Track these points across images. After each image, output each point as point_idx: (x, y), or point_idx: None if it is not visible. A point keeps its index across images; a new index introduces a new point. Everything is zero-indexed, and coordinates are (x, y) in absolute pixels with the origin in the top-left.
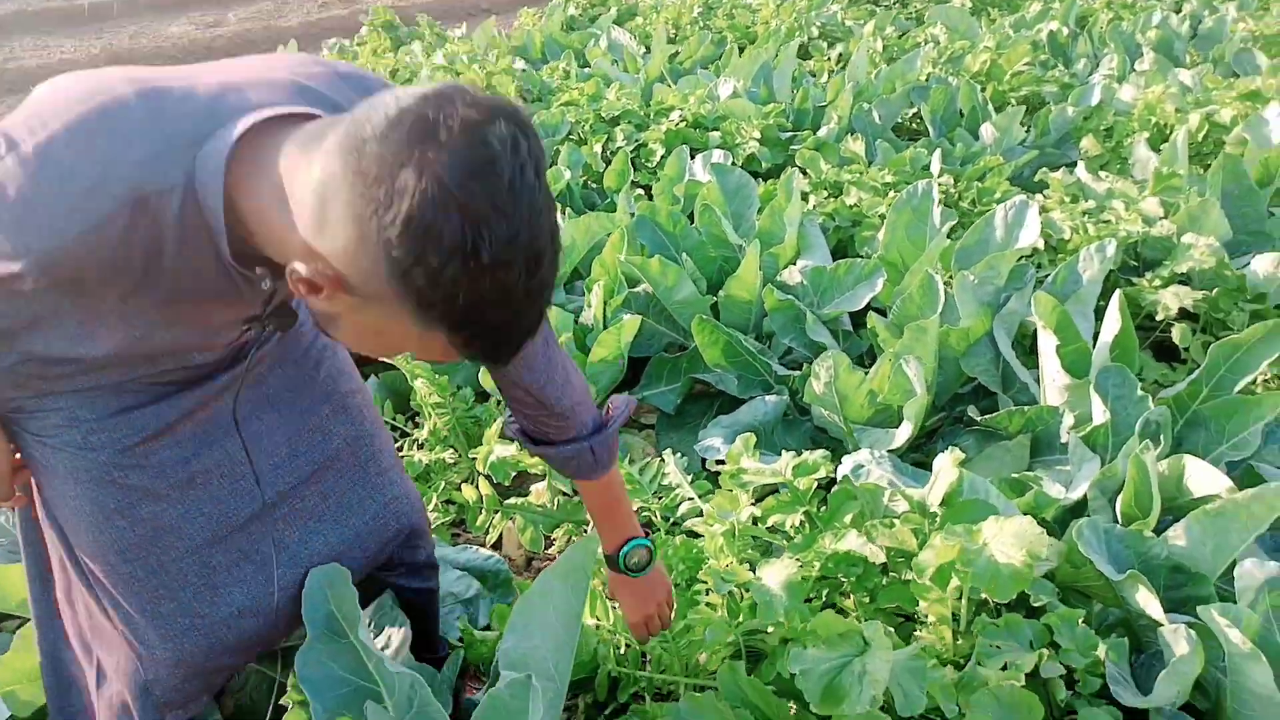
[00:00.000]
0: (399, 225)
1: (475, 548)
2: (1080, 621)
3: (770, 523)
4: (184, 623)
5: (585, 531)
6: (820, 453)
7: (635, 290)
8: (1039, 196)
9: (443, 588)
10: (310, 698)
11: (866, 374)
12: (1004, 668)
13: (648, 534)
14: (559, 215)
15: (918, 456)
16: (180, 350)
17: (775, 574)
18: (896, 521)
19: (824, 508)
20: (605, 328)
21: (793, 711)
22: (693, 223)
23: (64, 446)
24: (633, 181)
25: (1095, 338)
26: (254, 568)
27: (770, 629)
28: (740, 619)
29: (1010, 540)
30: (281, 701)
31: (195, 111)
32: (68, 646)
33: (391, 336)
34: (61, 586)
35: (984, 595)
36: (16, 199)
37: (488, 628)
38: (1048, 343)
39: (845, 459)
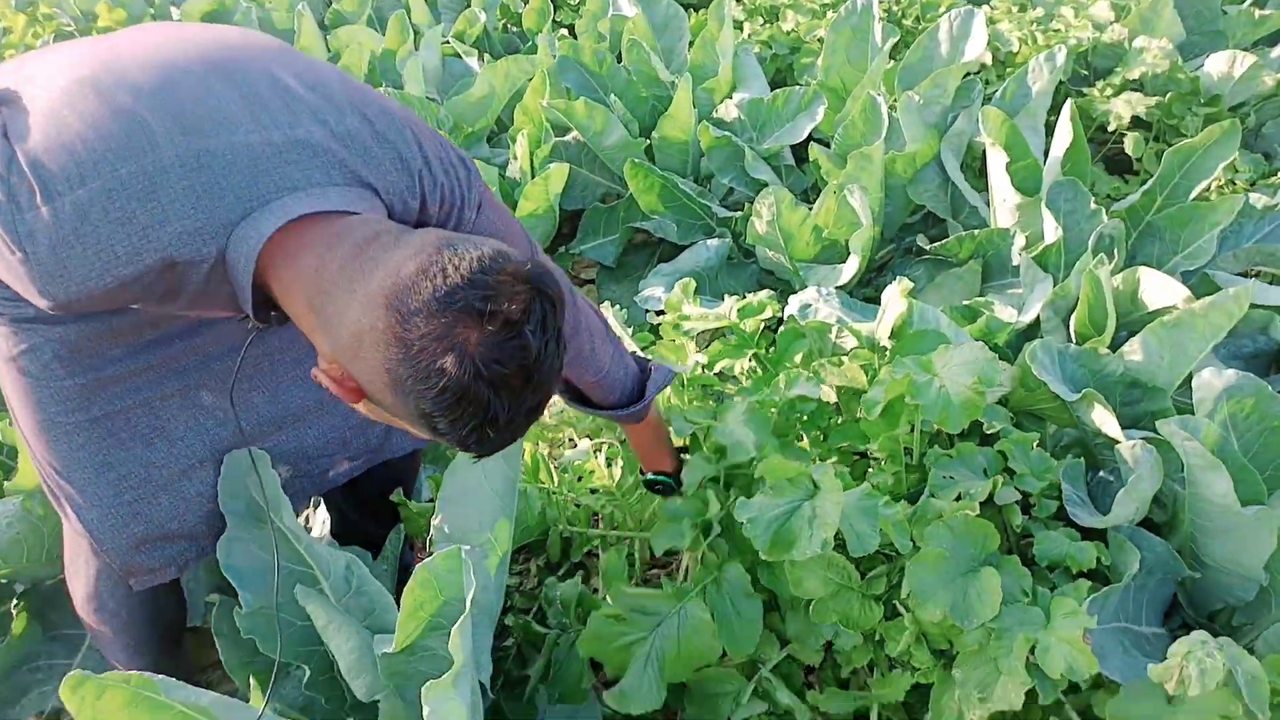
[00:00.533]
0: (433, 395)
1: None
2: (1035, 445)
3: (718, 368)
4: (138, 473)
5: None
6: (765, 293)
7: (563, 139)
8: (985, 9)
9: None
10: (238, 587)
11: (811, 209)
12: (958, 498)
13: (679, 470)
14: (476, 61)
15: (868, 292)
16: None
17: (736, 413)
18: (845, 359)
19: (773, 349)
20: (533, 179)
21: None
22: (620, 61)
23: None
24: (554, 21)
25: (1046, 153)
26: (214, 422)
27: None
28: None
29: (960, 369)
30: (209, 598)
31: (236, 187)
32: None
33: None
34: None
35: (936, 427)
36: (49, 253)
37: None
38: (997, 160)
39: (792, 298)
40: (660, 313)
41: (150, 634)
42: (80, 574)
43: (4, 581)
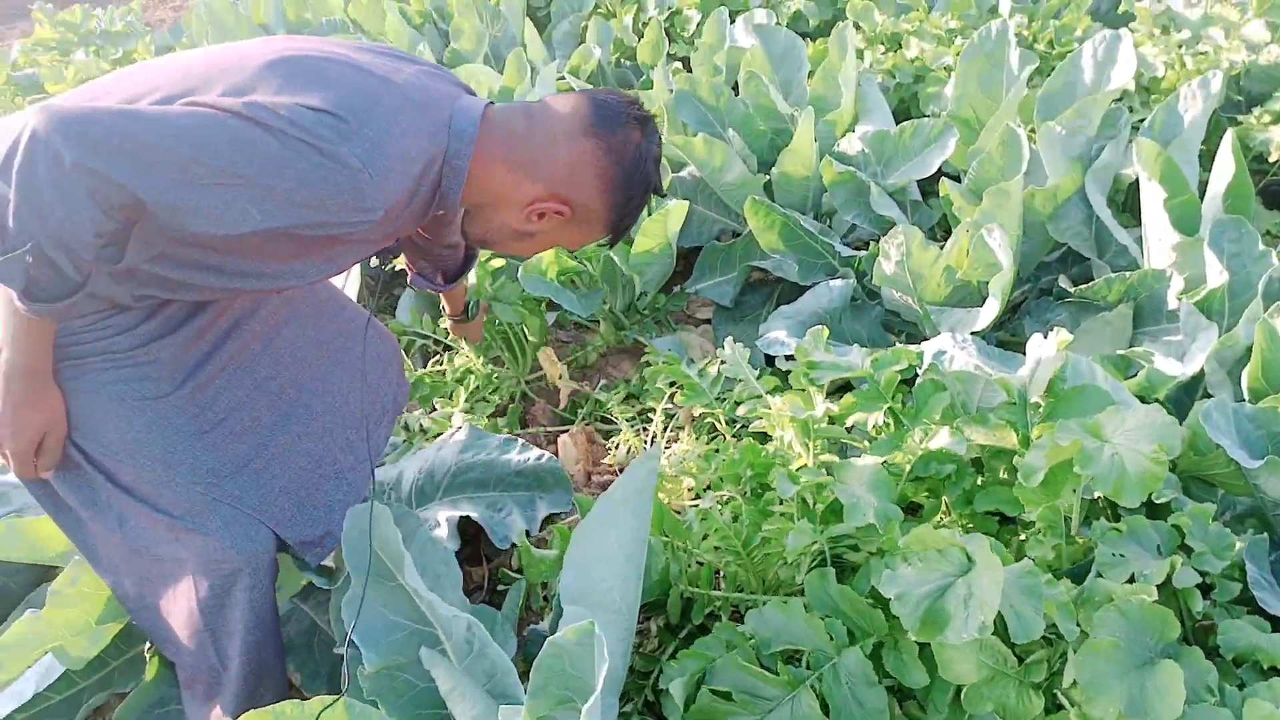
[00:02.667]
0: (636, 179)
1: (531, 448)
2: (1212, 519)
3: (849, 422)
4: (260, 458)
5: None
6: (902, 347)
7: (680, 174)
8: (1124, 31)
9: (497, 488)
10: (361, 646)
11: (941, 249)
12: (1130, 579)
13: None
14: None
15: (1000, 335)
16: (282, 276)
17: (859, 474)
18: (991, 415)
19: (907, 403)
20: (649, 215)
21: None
22: (737, 94)
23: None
24: (668, 54)
25: (1201, 187)
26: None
27: (856, 542)
28: (823, 526)
29: (1136, 434)
30: (336, 651)
31: (432, 100)
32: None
33: (562, 241)
34: (104, 523)
35: (1094, 495)
36: (377, 165)
37: (541, 541)
38: (1154, 196)
39: (925, 345)
40: (790, 358)
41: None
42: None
43: (136, 625)
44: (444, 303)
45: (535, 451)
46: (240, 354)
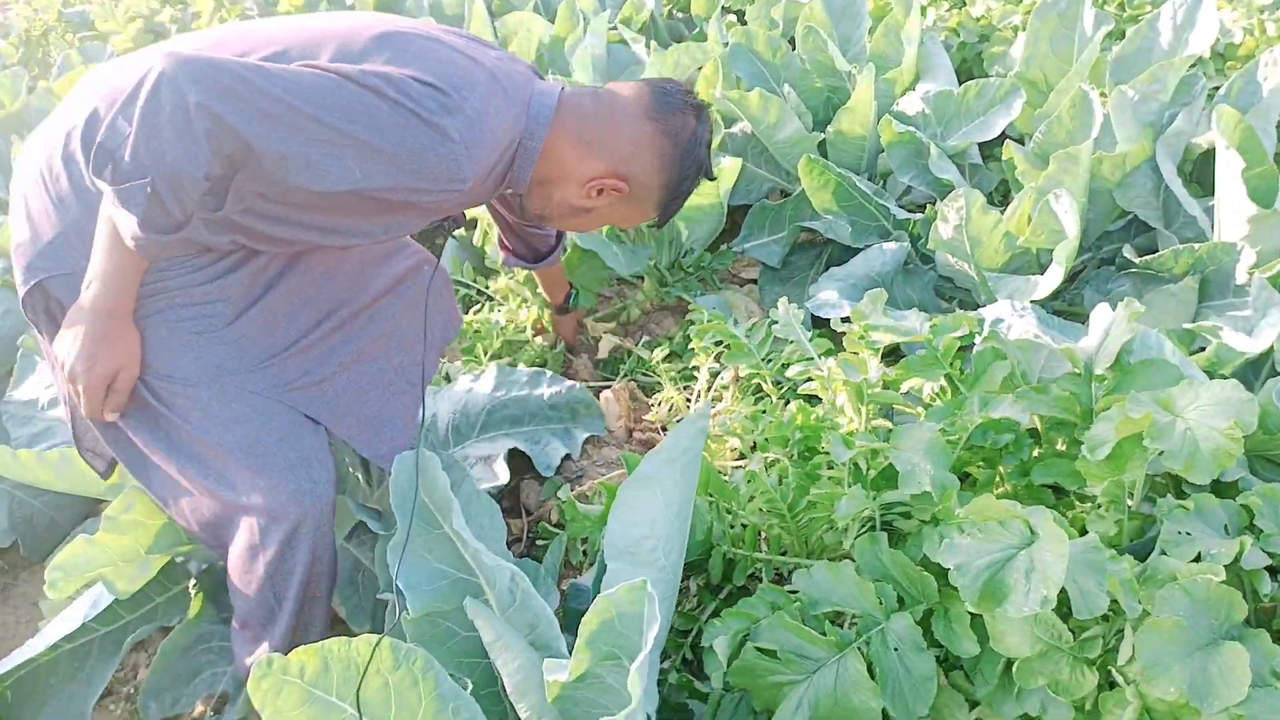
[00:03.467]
0: (689, 160)
1: (560, 379)
2: None
3: (905, 387)
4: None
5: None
6: (962, 313)
7: (732, 130)
8: None
9: (533, 423)
10: (405, 591)
11: (1002, 214)
12: (1197, 558)
13: (571, 290)
14: (643, 48)
15: (1057, 305)
16: (356, 234)
17: (916, 440)
18: (1054, 386)
19: (967, 371)
20: None
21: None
22: (794, 49)
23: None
24: (723, 6)
25: (1277, 160)
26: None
27: (909, 509)
28: (876, 492)
29: (1211, 410)
30: (380, 597)
31: (512, 84)
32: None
33: (615, 218)
34: (171, 464)
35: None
36: (473, 137)
37: (583, 496)
38: (1230, 165)
39: (982, 312)
40: (846, 319)
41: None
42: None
43: (181, 561)
44: (545, 294)
45: (565, 382)
46: (303, 283)
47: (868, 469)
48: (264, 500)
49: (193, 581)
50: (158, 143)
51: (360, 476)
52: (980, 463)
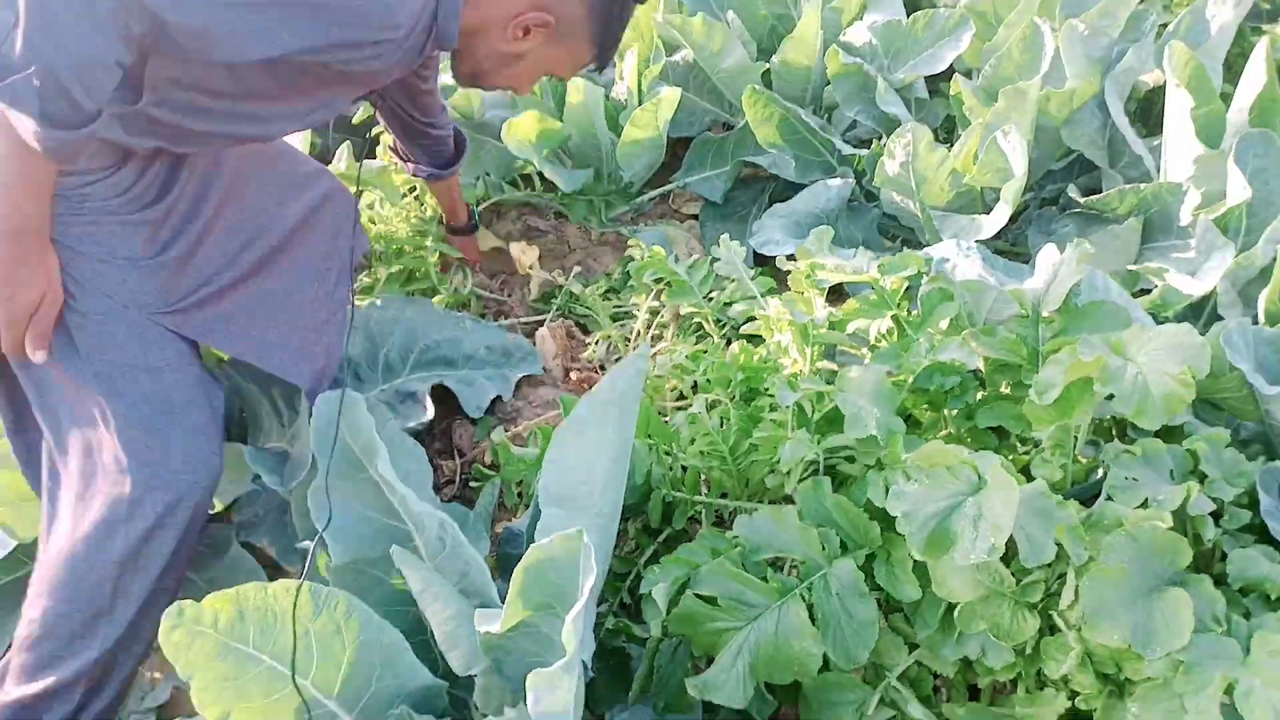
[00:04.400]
0: None
1: (492, 323)
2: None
3: (851, 328)
4: None
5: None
6: (910, 252)
7: (674, 59)
8: None
9: (466, 366)
10: (328, 538)
11: (949, 150)
12: (1143, 504)
13: (471, 216)
14: None
15: (999, 245)
16: (277, 120)
17: (862, 383)
18: (1001, 328)
19: (915, 312)
20: (640, 103)
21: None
22: None
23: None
24: None
25: (1225, 101)
26: None
27: (852, 453)
28: (820, 436)
29: (1163, 354)
30: (300, 545)
31: None
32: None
33: (550, 63)
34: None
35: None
36: None
37: (519, 438)
38: (1180, 104)
39: (928, 251)
40: (791, 258)
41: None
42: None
43: None
44: (442, 213)
45: (495, 326)
46: (215, 218)
47: (812, 412)
48: (153, 464)
49: None
50: (54, 28)
51: (275, 416)
52: (925, 405)
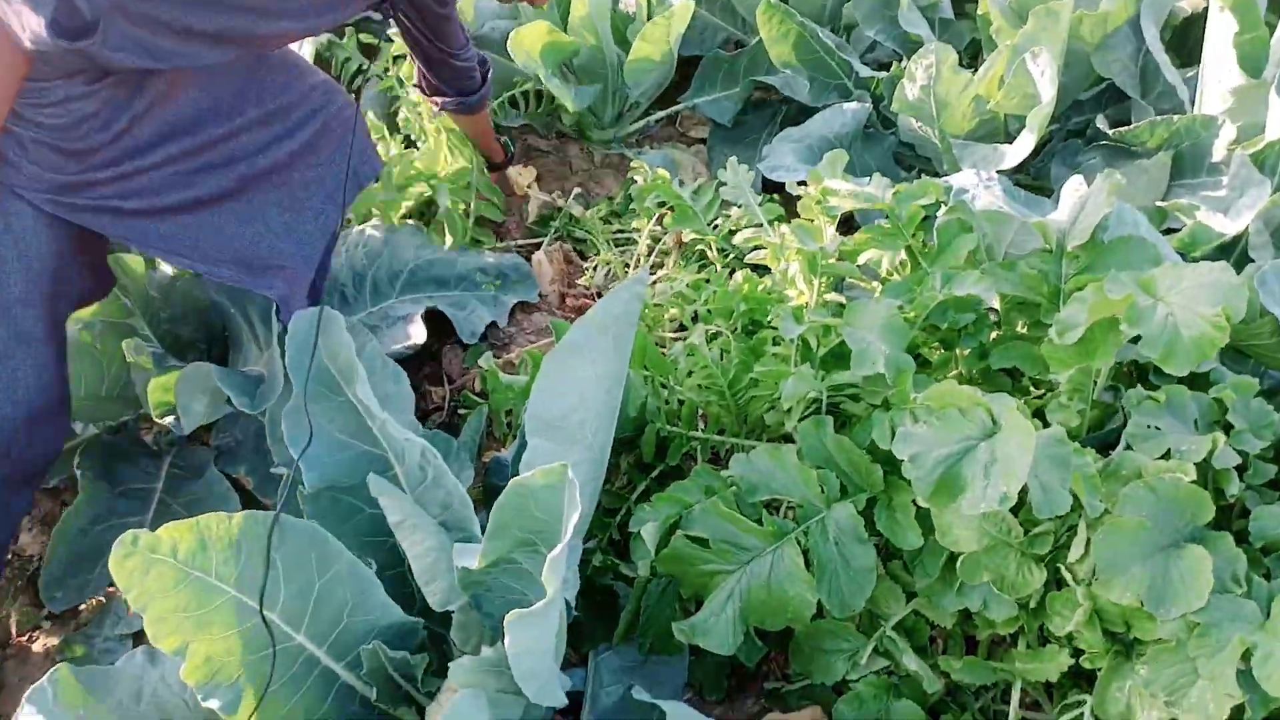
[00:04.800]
0: None
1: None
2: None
3: (862, 259)
4: None
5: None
6: (927, 180)
7: None
8: None
9: (459, 287)
10: (302, 464)
11: (974, 74)
12: (1166, 455)
13: (506, 151)
14: None
15: (1021, 178)
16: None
17: (871, 317)
18: (1021, 263)
19: (930, 244)
20: (650, 17)
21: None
22: None
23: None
24: None
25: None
26: None
27: (858, 392)
28: (825, 372)
29: (1196, 294)
30: (274, 470)
31: None
32: None
33: None
34: None
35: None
36: None
37: (510, 365)
38: (1222, 30)
39: (947, 180)
40: (802, 183)
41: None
42: None
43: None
44: (480, 151)
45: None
46: (180, 93)
47: (817, 347)
48: None
49: (76, 459)
50: None
51: (253, 340)
52: (936, 344)
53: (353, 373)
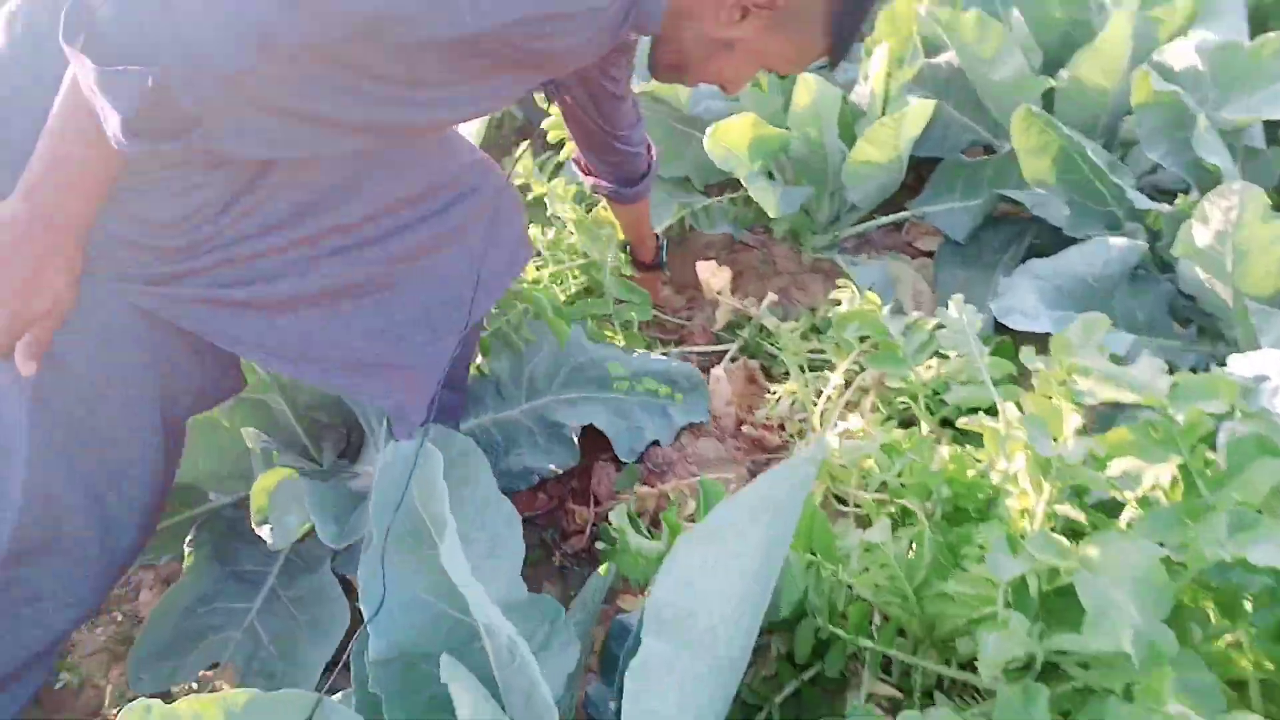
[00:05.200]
0: None
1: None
2: None
3: (1114, 470)
4: None
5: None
6: (1220, 374)
7: (934, 60)
8: None
9: (626, 387)
10: (371, 631)
11: None
12: None
13: (658, 255)
14: None
15: None
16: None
17: (1121, 563)
18: None
19: (1213, 463)
20: (884, 112)
21: None
22: None
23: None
24: None
25: None
26: None
27: (1087, 661)
28: (1039, 625)
29: None
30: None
31: None
32: None
33: (771, 55)
34: None
35: None
36: None
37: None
38: None
39: (1235, 362)
40: (1046, 335)
41: None
42: None
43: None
44: (628, 240)
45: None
46: (302, 176)
47: (1039, 585)
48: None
49: (190, 536)
50: (180, 12)
51: (374, 436)
52: (1210, 600)
53: (443, 527)
